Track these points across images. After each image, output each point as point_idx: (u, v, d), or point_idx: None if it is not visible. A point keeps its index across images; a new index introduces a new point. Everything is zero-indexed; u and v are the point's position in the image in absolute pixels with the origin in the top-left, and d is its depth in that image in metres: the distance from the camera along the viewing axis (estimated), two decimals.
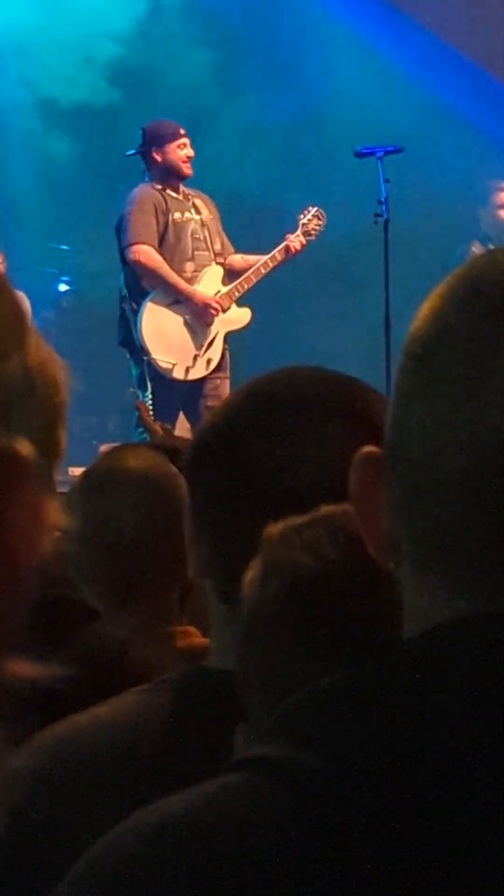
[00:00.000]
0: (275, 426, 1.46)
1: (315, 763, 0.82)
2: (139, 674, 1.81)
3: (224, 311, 7.45)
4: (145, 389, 7.30)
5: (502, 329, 0.88)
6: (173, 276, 7.32)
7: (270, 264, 7.54)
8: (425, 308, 0.93)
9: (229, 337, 7.56)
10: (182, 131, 7.52)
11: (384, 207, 7.24)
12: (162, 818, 0.84)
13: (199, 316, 7.39)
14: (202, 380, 7.42)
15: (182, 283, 7.34)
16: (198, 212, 7.53)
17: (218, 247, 7.52)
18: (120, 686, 1.63)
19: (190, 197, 7.55)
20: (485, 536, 0.87)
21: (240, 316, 7.59)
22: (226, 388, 7.33)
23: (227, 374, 7.49)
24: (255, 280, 7.56)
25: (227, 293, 7.49)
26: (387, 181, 7.22)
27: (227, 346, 7.53)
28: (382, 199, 7.19)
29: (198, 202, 7.56)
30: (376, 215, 7.28)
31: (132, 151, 7.61)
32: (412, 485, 0.90)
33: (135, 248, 7.29)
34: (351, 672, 0.87)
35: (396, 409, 0.92)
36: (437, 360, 0.90)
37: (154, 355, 7.32)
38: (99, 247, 8.49)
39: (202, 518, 1.50)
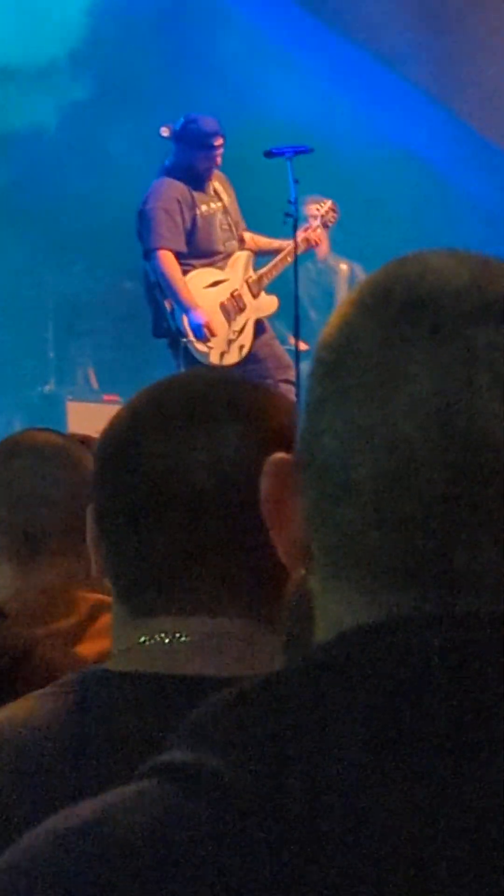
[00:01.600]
0: (168, 429, 1.46)
1: (221, 768, 0.82)
2: (45, 674, 1.81)
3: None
4: None
5: (411, 336, 0.89)
6: (183, 290, 7.27)
7: (289, 259, 7.52)
8: (335, 315, 0.93)
9: None
10: (219, 142, 7.39)
11: (294, 208, 7.26)
12: (73, 824, 0.85)
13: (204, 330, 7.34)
14: (235, 366, 7.34)
15: (189, 299, 7.27)
16: (219, 198, 7.48)
17: (241, 231, 7.49)
18: (25, 687, 1.62)
19: (210, 183, 7.48)
20: (392, 544, 0.87)
21: (268, 303, 7.58)
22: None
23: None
24: (281, 268, 7.54)
25: (257, 279, 7.45)
26: (296, 181, 7.24)
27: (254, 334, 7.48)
28: (292, 200, 7.22)
29: (217, 186, 7.48)
30: (286, 215, 7.31)
31: (168, 134, 7.44)
32: (322, 491, 0.90)
33: (160, 253, 7.28)
34: (263, 677, 0.87)
35: (307, 416, 0.92)
36: (348, 366, 0.90)
37: (191, 338, 7.30)
38: None
39: (102, 519, 1.50)
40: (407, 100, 9.92)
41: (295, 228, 7.26)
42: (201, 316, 7.28)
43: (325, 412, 0.90)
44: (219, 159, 7.44)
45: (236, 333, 7.43)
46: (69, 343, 9.83)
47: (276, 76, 9.56)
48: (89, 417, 7.91)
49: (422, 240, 8.63)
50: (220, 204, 7.48)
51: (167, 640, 1.45)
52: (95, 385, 9.65)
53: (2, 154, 9.33)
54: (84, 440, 2.51)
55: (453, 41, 9.40)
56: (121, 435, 1.50)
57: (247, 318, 7.45)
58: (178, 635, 1.45)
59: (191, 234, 7.36)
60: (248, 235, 7.61)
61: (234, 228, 7.50)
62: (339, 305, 0.94)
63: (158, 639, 1.45)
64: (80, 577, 2.23)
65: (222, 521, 1.44)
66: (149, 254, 7.34)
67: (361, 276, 8.26)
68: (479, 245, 1.01)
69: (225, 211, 7.48)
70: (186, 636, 1.45)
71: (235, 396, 1.49)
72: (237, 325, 7.44)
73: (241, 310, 7.44)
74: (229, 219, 7.49)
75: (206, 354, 7.29)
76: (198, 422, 1.46)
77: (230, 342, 7.40)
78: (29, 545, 2.28)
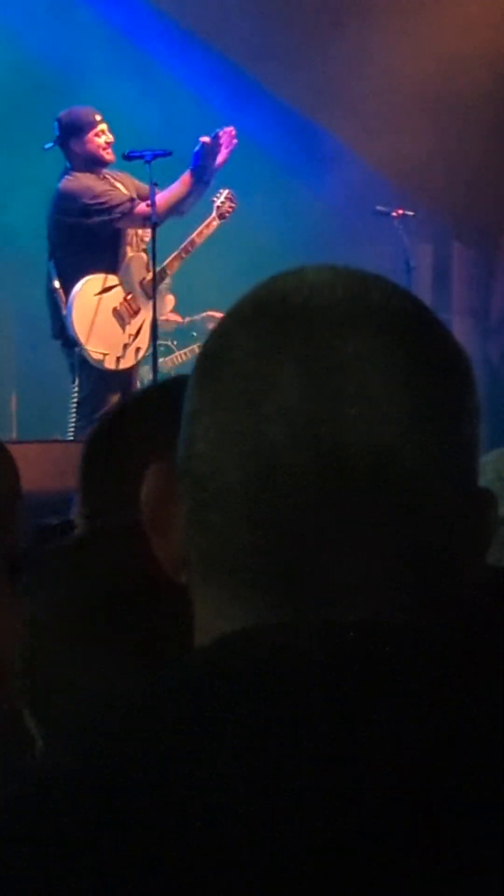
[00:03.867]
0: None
1: (78, 770, 0.84)
2: None
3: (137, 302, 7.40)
4: (73, 382, 7.24)
5: (282, 345, 0.91)
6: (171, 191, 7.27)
7: (190, 249, 7.48)
8: (216, 325, 0.96)
9: None
10: (98, 117, 7.34)
11: (153, 210, 7.26)
12: None
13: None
14: (134, 368, 7.37)
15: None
16: None
17: (141, 232, 7.40)
18: None
19: (113, 181, 7.39)
20: (260, 549, 0.89)
21: (164, 303, 7.56)
22: None
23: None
24: (176, 267, 7.51)
25: (150, 281, 7.36)
26: (155, 184, 7.25)
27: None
28: (151, 203, 7.21)
29: (119, 186, 7.39)
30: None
31: (50, 144, 7.39)
32: (197, 498, 0.92)
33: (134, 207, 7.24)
34: (141, 682, 0.89)
35: (185, 424, 0.94)
36: (222, 375, 0.92)
37: (86, 346, 7.24)
38: None
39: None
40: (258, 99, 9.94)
41: (154, 231, 7.24)
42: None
43: (200, 420, 0.92)
44: (110, 135, 7.35)
45: (132, 337, 7.41)
46: None
47: (133, 79, 9.53)
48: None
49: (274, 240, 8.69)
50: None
51: None
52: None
53: None
54: None
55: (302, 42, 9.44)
56: (103, 435, 1.53)
57: (143, 321, 7.43)
58: None
59: (87, 233, 7.30)
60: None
61: (133, 231, 7.43)
62: (221, 318, 0.96)
63: None
64: None
65: None
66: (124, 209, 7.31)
67: None
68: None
69: None
70: None
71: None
72: (132, 329, 7.42)
73: (136, 313, 7.42)
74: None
75: (101, 361, 7.26)
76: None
77: (125, 346, 7.38)
78: None
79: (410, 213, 8.57)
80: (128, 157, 7.35)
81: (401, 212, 8.51)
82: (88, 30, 9.67)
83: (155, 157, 7.29)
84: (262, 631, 0.88)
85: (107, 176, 7.41)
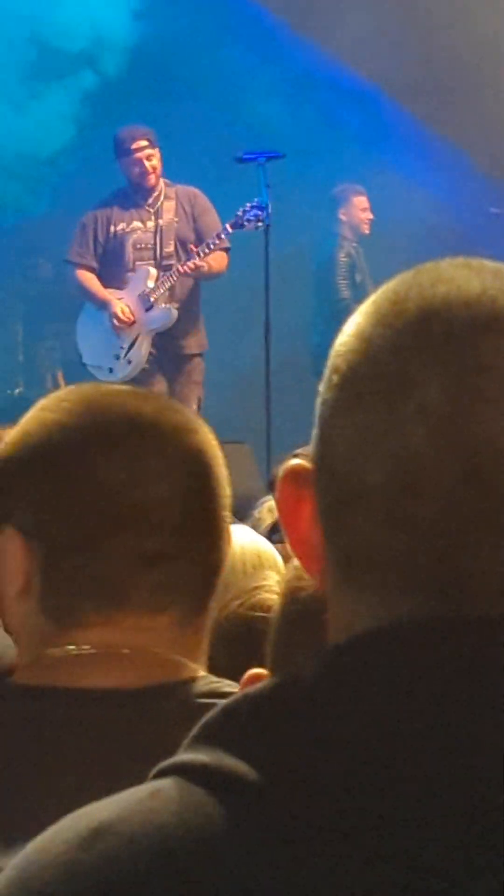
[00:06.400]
0: (114, 442, 1.48)
1: (243, 769, 0.83)
2: None
3: (131, 320, 7.60)
4: None
5: (423, 345, 0.90)
6: (94, 288, 7.70)
7: (179, 272, 7.59)
8: (350, 324, 0.95)
9: None
10: (135, 145, 7.51)
11: (266, 213, 7.27)
12: (92, 823, 0.85)
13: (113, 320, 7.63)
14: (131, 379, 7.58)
15: (101, 293, 7.69)
16: (158, 216, 7.54)
17: (170, 249, 7.53)
18: None
19: (158, 200, 7.59)
20: (401, 548, 0.89)
21: (156, 316, 7.66)
22: (162, 387, 7.45)
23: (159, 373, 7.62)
24: (167, 284, 7.63)
25: (149, 293, 7.56)
26: (268, 186, 7.26)
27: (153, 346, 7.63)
28: (264, 204, 7.23)
29: (167, 205, 7.57)
30: (257, 220, 7.31)
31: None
32: (335, 497, 0.91)
33: (74, 269, 7.76)
34: (276, 680, 0.88)
35: (321, 423, 0.93)
36: (360, 374, 0.91)
37: (84, 359, 7.80)
38: None
39: (28, 532, 1.50)
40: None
41: (267, 233, 7.27)
42: (110, 306, 7.62)
43: (338, 419, 0.92)
44: (151, 159, 7.49)
45: (124, 349, 7.62)
46: (37, 346, 9.83)
47: (251, 82, 9.56)
48: None
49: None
50: (149, 224, 7.58)
51: (76, 651, 1.46)
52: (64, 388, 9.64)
53: None
54: None
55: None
56: (64, 454, 1.49)
57: (137, 333, 7.61)
58: (85, 646, 1.46)
59: (103, 254, 7.67)
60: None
61: (157, 249, 7.61)
62: (355, 314, 0.95)
63: (69, 650, 1.46)
64: None
65: (172, 532, 1.47)
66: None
67: None
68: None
69: (156, 231, 7.57)
70: (95, 648, 1.46)
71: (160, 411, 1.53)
72: (125, 342, 7.62)
73: (131, 324, 7.61)
74: (156, 238, 7.59)
75: (95, 371, 7.71)
76: (141, 436, 1.49)
77: (117, 357, 7.67)
78: None
79: None
80: (241, 160, 7.38)
81: None
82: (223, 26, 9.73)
83: (269, 159, 7.31)
84: (399, 630, 0.87)
85: (161, 194, 7.54)
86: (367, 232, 8.77)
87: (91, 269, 7.71)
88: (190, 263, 7.46)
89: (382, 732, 0.83)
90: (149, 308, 7.57)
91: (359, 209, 8.76)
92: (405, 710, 0.84)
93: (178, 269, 7.52)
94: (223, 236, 7.43)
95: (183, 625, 1.49)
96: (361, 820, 0.81)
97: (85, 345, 7.86)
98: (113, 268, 7.65)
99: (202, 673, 1.49)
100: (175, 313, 7.61)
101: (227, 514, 1.52)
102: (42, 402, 1.56)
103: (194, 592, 1.50)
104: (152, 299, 7.58)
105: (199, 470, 1.50)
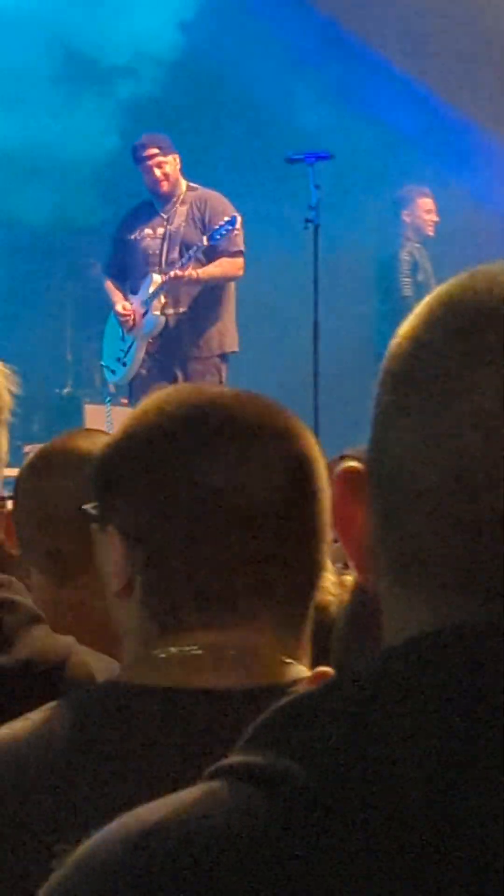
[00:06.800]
0: (217, 446, 1.49)
1: (295, 770, 0.83)
2: (81, 681, 1.81)
3: (130, 314, 7.88)
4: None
5: (478, 346, 0.89)
6: (111, 293, 8.06)
7: (162, 282, 7.76)
8: (404, 326, 0.94)
9: None
10: (146, 153, 7.67)
11: (314, 213, 7.27)
12: (146, 824, 0.85)
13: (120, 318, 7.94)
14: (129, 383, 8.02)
15: (114, 297, 8.03)
16: (168, 222, 7.66)
17: (175, 255, 7.62)
18: (60, 693, 1.63)
19: (174, 206, 7.73)
20: (457, 551, 0.88)
21: (148, 322, 7.85)
22: None
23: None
24: (157, 292, 7.81)
25: (147, 299, 7.81)
26: (317, 187, 7.26)
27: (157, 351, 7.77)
28: (313, 205, 7.23)
29: (180, 210, 7.69)
30: (306, 221, 7.32)
31: None
32: (390, 499, 0.91)
33: (104, 280, 8.21)
34: (331, 682, 0.88)
35: (376, 426, 0.93)
36: (415, 376, 0.91)
37: (102, 359, 8.25)
38: None
39: (130, 534, 1.51)
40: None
41: (316, 234, 7.26)
42: (114, 307, 7.99)
43: (393, 422, 0.92)
44: (161, 167, 7.59)
45: (124, 352, 7.95)
46: (85, 346, 9.89)
47: (297, 83, 9.56)
48: (106, 420, 8.24)
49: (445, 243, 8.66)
50: (159, 230, 7.75)
51: (183, 652, 1.47)
52: (112, 388, 9.74)
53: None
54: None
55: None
56: (166, 457, 1.51)
57: (132, 341, 7.96)
58: (193, 648, 1.47)
59: (122, 263, 8.03)
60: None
61: (163, 254, 7.78)
62: (409, 317, 0.95)
63: (174, 651, 1.47)
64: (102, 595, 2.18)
65: (273, 536, 1.48)
66: None
67: None
68: None
69: (164, 237, 7.73)
70: (201, 649, 1.47)
71: (264, 411, 1.54)
72: (126, 346, 7.96)
73: (131, 329, 7.90)
74: (164, 244, 7.75)
75: (106, 372, 8.22)
76: (244, 440, 1.50)
77: (118, 359, 8.06)
78: (57, 567, 2.20)
79: None
80: (290, 161, 7.39)
81: None
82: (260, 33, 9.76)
83: (317, 159, 7.31)
84: (455, 632, 0.87)
85: (179, 199, 7.69)
86: (430, 234, 8.77)
87: (113, 277, 8.07)
88: (171, 273, 7.68)
89: (437, 739, 0.83)
90: (145, 314, 7.84)
91: (423, 210, 8.78)
92: (462, 717, 0.84)
93: (169, 277, 7.74)
94: (198, 255, 7.67)
95: (284, 627, 1.51)
96: (415, 825, 0.81)
97: (104, 346, 8.29)
98: (131, 275, 7.96)
99: (307, 674, 1.50)
100: (163, 320, 7.83)
101: (327, 516, 1.54)
102: (144, 405, 1.57)
103: (294, 595, 1.52)
104: (151, 305, 7.77)
105: (300, 475, 1.52)
